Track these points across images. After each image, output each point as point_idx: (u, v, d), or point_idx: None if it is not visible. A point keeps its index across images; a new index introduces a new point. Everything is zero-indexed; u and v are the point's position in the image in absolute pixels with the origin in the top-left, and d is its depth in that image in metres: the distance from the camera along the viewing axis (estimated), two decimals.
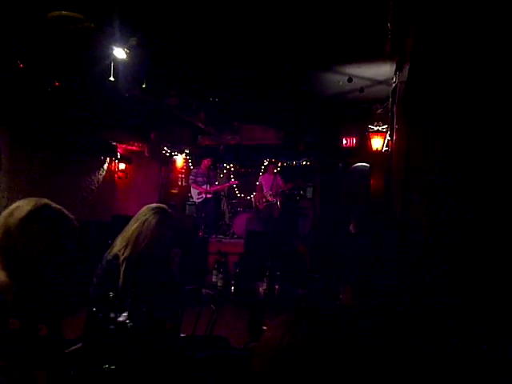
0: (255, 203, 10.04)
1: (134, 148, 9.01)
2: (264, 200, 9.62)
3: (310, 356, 0.84)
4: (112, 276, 2.33)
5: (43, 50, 4.54)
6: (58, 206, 1.85)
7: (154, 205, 2.59)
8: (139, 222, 2.47)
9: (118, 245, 2.46)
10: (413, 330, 1.31)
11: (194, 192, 9.43)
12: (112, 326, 1.77)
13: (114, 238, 2.58)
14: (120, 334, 1.78)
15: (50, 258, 1.76)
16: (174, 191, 10.70)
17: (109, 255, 2.45)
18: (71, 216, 1.86)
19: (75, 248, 1.85)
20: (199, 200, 9.28)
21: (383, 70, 5.25)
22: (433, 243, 1.88)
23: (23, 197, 1.85)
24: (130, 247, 2.41)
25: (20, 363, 1.48)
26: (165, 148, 10.11)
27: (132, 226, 2.49)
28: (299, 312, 0.94)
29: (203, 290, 3.28)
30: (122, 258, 2.39)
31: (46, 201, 1.83)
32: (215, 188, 9.57)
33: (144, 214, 2.50)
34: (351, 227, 2.64)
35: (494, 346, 1.31)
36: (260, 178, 10.18)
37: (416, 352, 1.25)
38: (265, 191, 9.68)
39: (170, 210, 2.58)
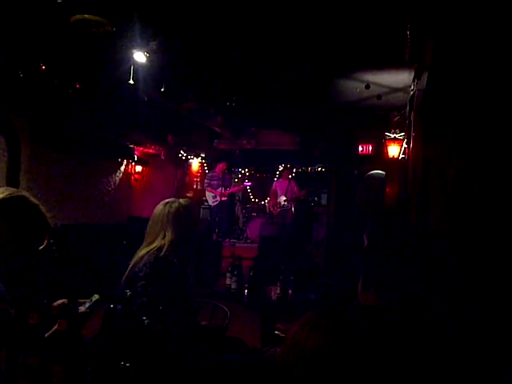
0: (269, 208, 10.06)
1: (151, 151, 9.09)
2: (278, 206, 9.64)
3: (349, 360, 0.83)
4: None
5: (65, 52, 4.62)
6: (36, 202, 1.81)
7: (167, 199, 2.68)
8: (164, 214, 2.55)
9: (153, 240, 2.52)
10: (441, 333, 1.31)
11: (209, 196, 9.49)
12: (129, 323, 1.80)
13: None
14: (137, 331, 1.80)
15: (14, 252, 1.72)
16: (188, 194, 10.77)
17: (151, 254, 2.49)
18: (46, 214, 1.82)
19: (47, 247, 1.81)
20: (214, 203, 9.34)
21: (401, 78, 5.23)
22: (451, 250, 1.87)
23: (42, 197, 1.86)
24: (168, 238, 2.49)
25: (39, 357, 1.52)
26: (181, 151, 10.18)
27: (158, 222, 2.55)
28: (330, 313, 0.93)
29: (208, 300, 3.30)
30: (164, 249, 2.46)
31: (24, 193, 1.80)
32: (230, 190, 9.61)
33: (163, 207, 2.59)
34: (364, 239, 2.64)
35: None
36: (274, 183, 10.19)
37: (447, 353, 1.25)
38: (279, 196, 9.70)
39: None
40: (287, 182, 9.71)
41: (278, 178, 10.59)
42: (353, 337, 0.86)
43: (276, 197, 9.78)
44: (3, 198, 1.72)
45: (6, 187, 1.79)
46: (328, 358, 0.84)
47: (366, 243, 2.70)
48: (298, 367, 0.85)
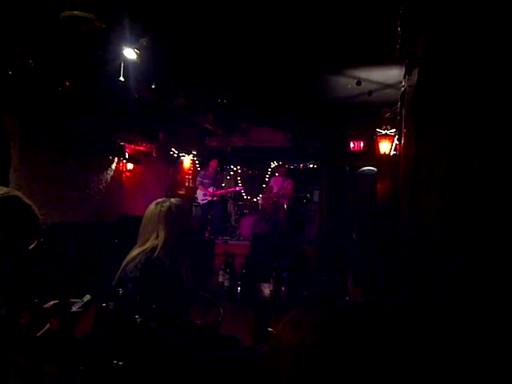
0: (263, 204, 10.08)
1: (142, 148, 9.05)
2: (271, 201, 9.67)
3: (334, 357, 0.82)
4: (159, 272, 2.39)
5: (55, 49, 4.58)
6: (30, 203, 1.80)
7: (159, 199, 2.67)
8: (156, 214, 2.54)
9: (145, 240, 2.51)
10: (426, 330, 1.31)
11: (199, 193, 9.48)
12: (121, 322, 1.79)
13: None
14: (129, 329, 1.79)
15: (3, 252, 1.71)
16: (180, 192, 10.74)
17: (143, 254, 2.47)
18: (39, 216, 1.82)
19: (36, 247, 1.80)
20: (204, 202, 9.33)
21: (392, 74, 5.25)
22: (442, 246, 1.88)
23: (32, 195, 1.85)
24: (161, 238, 2.48)
25: (30, 357, 1.50)
26: (172, 149, 10.15)
27: (150, 223, 2.55)
28: (312, 310, 0.92)
29: (201, 293, 3.30)
30: (158, 251, 2.46)
31: (17, 193, 1.80)
32: (221, 191, 9.61)
33: (155, 207, 2.58)
34: (354, 235, 2.65)
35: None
36: (271, 179, 10.23)
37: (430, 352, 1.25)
38: (273, 192, 9.74)
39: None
40: (283, 178, 9.75)
41: (273, 175, 10.62)
42: (332, 334, 0.86)
43: (271, 193, 9.84)
44: None
45: (0, 187, 1.77)
46: (307, 355, 0.83)
47: (354, 240, 2.71)
48: (280, 365, 0.85)
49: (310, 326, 0.85)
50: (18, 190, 1.87)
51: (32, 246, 1.82)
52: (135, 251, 2.51)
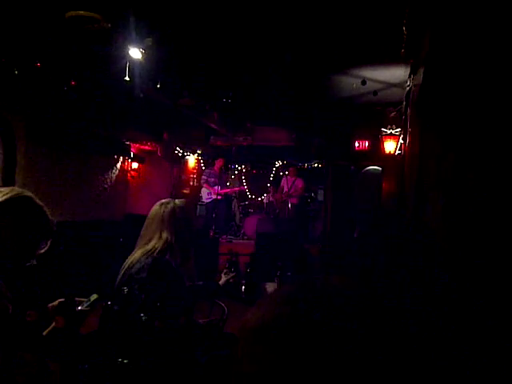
0: (274, 203, 10.13)
1: (147, 147, 9.06)
2: (281, 200, 9.74)
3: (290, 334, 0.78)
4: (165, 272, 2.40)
5: (60, 49, 4.60)
6: (41, 203, 1.81)
7: (163, 200, 2.68)
8: (160, 214, 2.56)
9: (148, 240, 2.52)
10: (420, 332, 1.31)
11: (204, 192, 9.50)
12: (126, 321, 1.80)
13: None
14: (134, 328, 1.80)
15: (15, 253, 1.72)
16: (185, 191, 10.75)
17: (148, 255, 2.47)
18: (51, 217, 1.82)
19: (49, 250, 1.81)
20: (208, 200, 9.35)
21: (397, 73, 5.24)
22: (447, 246, 1.88)
23: (37, 194, 1.85)
24: (163, 238, 2.49)
25: (36, 354, 1.51)
26: (177, 148, 10.16)
27: (153, 223, 2.55)
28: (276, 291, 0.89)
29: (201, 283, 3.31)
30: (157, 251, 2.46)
31: (29, 194, 1.80)
32: (225, 190, 9.63)
33: (159, 208, 2.59)
34: (355, 234, 2.66)
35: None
36: (282, 179, 10.27)
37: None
38: (284, 192, 9.80)
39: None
40: (293, 178, 9.79)
41: (284, 176, 10.67)
42: (289, 308, 0.81)
43: (282, 193, 9.92)
44: (10, 198, 1.71)
45: (11, 187, 1.78)
46: (265, 331, 0.79)
47: (355, 239, 2.72)
48: (241, 349, 0.81)
49: (269, 306, 0.81)
50: (24, 189, 1.87)
51: (45, 249, 1.82)
52: (138, 252, 2.51)
